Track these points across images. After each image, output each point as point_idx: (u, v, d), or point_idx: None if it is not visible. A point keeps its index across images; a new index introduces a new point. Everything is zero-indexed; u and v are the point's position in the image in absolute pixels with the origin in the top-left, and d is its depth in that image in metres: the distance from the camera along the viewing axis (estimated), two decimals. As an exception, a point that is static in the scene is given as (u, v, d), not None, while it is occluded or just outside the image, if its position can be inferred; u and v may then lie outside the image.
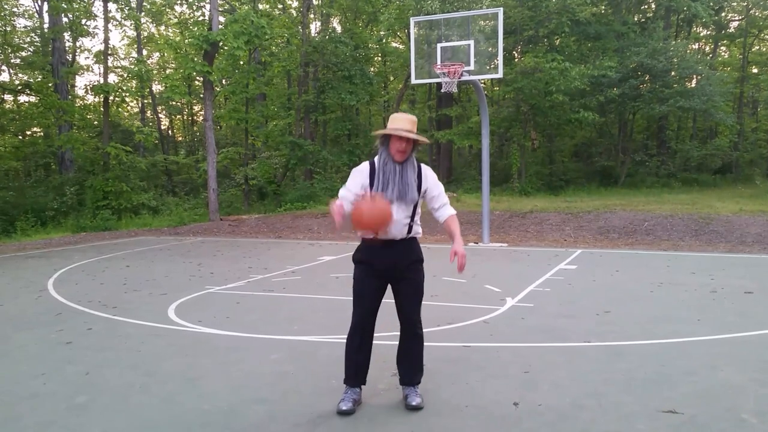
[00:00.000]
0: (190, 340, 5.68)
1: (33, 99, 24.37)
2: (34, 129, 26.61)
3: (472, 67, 12.14)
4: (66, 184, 21.68)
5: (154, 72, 29.72)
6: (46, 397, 4.25)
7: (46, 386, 4.47)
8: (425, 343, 4.07)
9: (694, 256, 10.85)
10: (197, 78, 23.49)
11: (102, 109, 23.36)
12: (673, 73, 23.52)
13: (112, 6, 22.41)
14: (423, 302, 4.02)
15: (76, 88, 28.50)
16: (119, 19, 24.88)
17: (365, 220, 3.59)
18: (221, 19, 20.82)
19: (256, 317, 6.58)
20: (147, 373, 4.73)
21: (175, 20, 31.77)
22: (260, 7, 26.15)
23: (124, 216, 20.11)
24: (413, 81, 13.67)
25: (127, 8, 23.05)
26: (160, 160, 29.73)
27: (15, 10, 26.37)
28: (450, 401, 4.04)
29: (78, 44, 27.36)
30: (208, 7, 22.01)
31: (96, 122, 26.85)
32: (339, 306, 6.78)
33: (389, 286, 3.95)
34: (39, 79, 23.49)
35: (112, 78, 28.32)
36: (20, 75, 27.08)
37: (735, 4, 29.85)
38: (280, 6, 29.88)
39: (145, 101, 33.08)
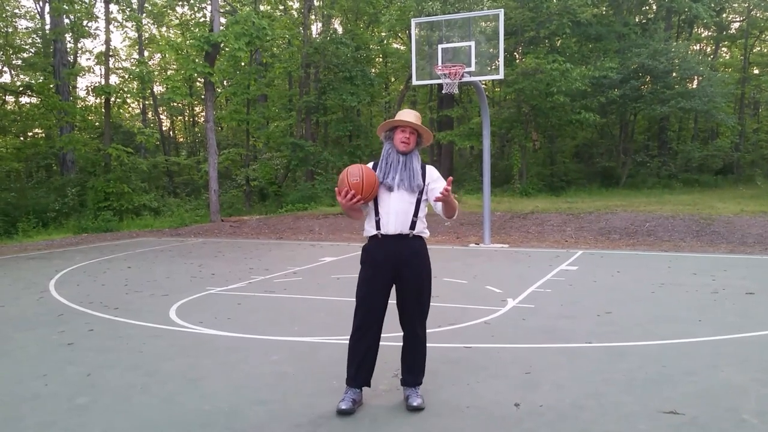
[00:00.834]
0: (191, 341, 5.68)
1: (34, 100, 24.43)
2: (36, 130, 26.65)
3: (473, 68, 12.14)
4: (67, 185, 21.71)
5: (156, 73, 29.76)
6: (47, 398, 4.25)
7: (47, 387, 4.47)
8: (427, 344, 4.07)
9: (695, 256, 10.84)
10: (198, 79, 23.54)
11: (103, 110, 23.36)
12: (674, 74, 23.54)
13: (113, 7, 22.45)
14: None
15: (77, 90, 28.56)
16: (121, 21, 24.90)
17: (350, 170, 3.75)
18: (222, 20, 20.83)
19: (258, 318, 6.58)
20: (148, 373, 4.73)
21: (177, 21, 31.81)
22: (261, 8, 26.17)
23: (126, 217, 20.12)
24: (414, 82, 13.67)
25: (128, 9, 23.08)
26: (161, 161, 29.77)
27: (17, 11, 26.42)
28: (451, 402, 4.04)
29: (79, 45, 27.42)
30: (209, 8, 22.04)
31: (97, 123, 26.87)
32: (340, 307, 6.79)
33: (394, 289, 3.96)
34: (40, 81, 23.51)
35: (114, 79, 28.37)
36: (22, 76, 27.15)
37: (736, 5, 29.86)
38: (281, 7, 29.92)
39: (147, 102, 33.13)
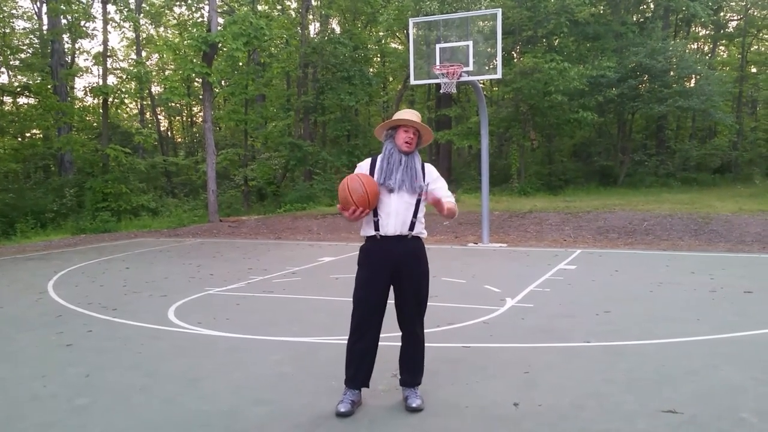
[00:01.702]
0: (190, 342, 5.68)
1: (32, 101, 24.39)
2: (34, 131, 26.60)
3: (471, 68, 12.14)
4: (65, 186, 21.69)
5: (153, 73, 29.72)
6: (47, 399, 4.25)
7: (46, 388, 4.47)
8: (425, 344, 4.07)
9: (693, 255, 10.85)
10: (196, 79, 23.49)
11: (101, 110, 23.37)
12: (672, 73, 23.56)
13: (111, 8, 22.44)
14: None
15: (75, 90, 28.50)
16: (118, 21, 24.94)
17: (352, 186, 3.70)
18: (220, 20, 20.83)
19: (256, 319, 6.58)
20: (147, 374, 4.73)
21: (174, 22, 31.78)
22: (259, 8, 26.15)
23: (124, 218, 20.11)
24: (412, 82, 13.68)
25: (126, 10, 23.05)
26: (159, 161, 29.75)
27: (14, 12, 26.38)
28: (450, 402, 4.04)
29: (77, 46, 27.40)
30: (207, 8, 22.04)
31: (95, 124, 26.86)
32: (339, 307, 6.78)
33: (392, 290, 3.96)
34: (38, 81, 23.50)
35: (111, 80, 28.38)
36: (19, 77, 27.11)
37: (734, 3, 29.91)
38: (279, 7, 29.89)
39: (144, 103, 33.09)
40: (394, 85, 32.88)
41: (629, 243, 12.58)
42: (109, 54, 25.02)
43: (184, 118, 38.73)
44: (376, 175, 3.84)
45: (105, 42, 22.28)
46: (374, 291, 3.86)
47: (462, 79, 12.09)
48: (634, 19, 27.13)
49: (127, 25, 26.20)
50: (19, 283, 9.25)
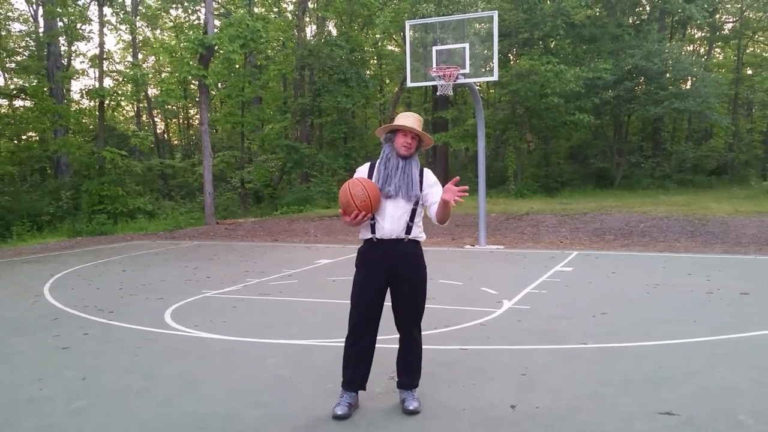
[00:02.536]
0: (187, 344, 5.67)
1: (28, 103, 24.33)
2: (30, 133, 26.54)
3: (467, 70, 12.16)
4: (62, 188, 21.64)
5: (150, 76, 29.71)
6: (43, 402, 4.24)
7: (43, 391, 4.46)
8: (423, 347, 4.07)
9: (689, 257, 10.88)
10: (193, 82, 23.52)
11: (97, 113, 23.34)
12: (668, 75, 23.60)
13: (107, 10, 22.43)
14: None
15: (71, 93, 28.44)
16: (114, 23, 24.90)
17: (354, 192, 3.69)
18: (217, 22, 20.84)
19: (253, 321, 6.57)
20: (144, 377, 4.72)
21: (171, 24, 31.76)
22: (256, 10, 26.17)
23: (120, 220, 20.08)
24: (409, 84, 13.69)
25: (122, 12, 23.06)
26: (155, 163, 29.70)
27: (10, 14, 26.32)
28: (447, 404, 4.04)
29: (73, 48, 27.39)
30: (203, 10, 22.03)
31: (91, 126, 26.81)
32: (336, 309, 6.77)
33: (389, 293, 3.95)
34: (34, 84, 23.43)
35: (108, 82, 28.31)
36: (15, 79, 27.04)
37: (729, 6, 29.97)
38: (275, 9, 29.91)
39: (141, 105, 33.08)
40: (391, 88, 32.89)
41: (626, 245, 12.61)
42: (105, 56, 25.03)
43: (181, 121, 38.70)
44: (373, 180, 3.84)
45: (101, 44, 22.29)
46: (371, 293, 3.86)
47: (458, 81, 12.11)
48: (630, 21, 27.18)
49: (123, 27, 26.22)
50: (16, 286, 9.23)
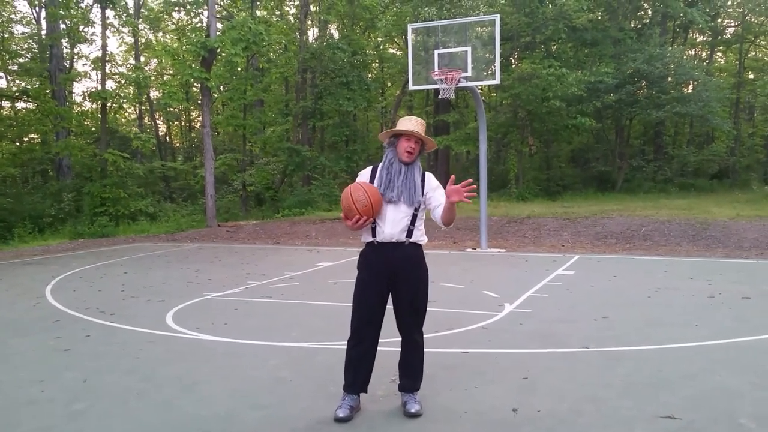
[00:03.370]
0: (188, 347, 5.67)
1: (30, 105, 24.34)
2: (32, 135, 26.57)
3: (469, 74, 12.16)
4: (63, 190, 21.66)
5: (152, 78, 29.75)
6: (44, 404, 4.24)
7: (44, 393, 4.46)
8: (425, 350, 4.07)
9: (691, 261, 10.86)
10: (195, 84, 23.53)
11: (99, 115, 23.37)
12: (669, 79, 23.62)
13: (109, 13, 22.50)
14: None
15: (73, 95, 28.50)
16: (117, 26, 24.95)
17: (356, 197, 3.70)
18: (219, 25, 20.89)
19: (254, 323, 6.57)
20: (145, 378, 4.73)
21: (173, 27, 31.83)
22: (258, 13, 26.21)
23: (122, 222, 20.09)
24: (411, 87, 13.69)
25: (124, 15, 23.12)
26: (157, 166, 29.74)
27: (12, 16, 26.39)
28: (448, 407, 4.04)
29: (76, 51, 27.35)
30: (205, 13, 22.07)
31: (93, 129, 26.86)
32: (337, 312, 6.78)
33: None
34: (36, 86, 23.47)
35: (110, 84, 28.35)
36: (18, 81, 27.07)
37: (731, 10, 30.01)
38: (277, 12, 29.96)
39: (143, 108, 33.13)
40: (393, 91, 32.93)
41: (627, 248, 12.59)
42: (107, 59, 25.03)
43: (183, 123, 38.75)
44: (375, 185, 3.84)
45: (104, 47, 22.32)
46: (372, 295, 3.86)
47: (460, 84, 12.12)
48: (632, 25, 27.22)
49: (125, 30, 26.27)
50: (17, 287, 9.23)
